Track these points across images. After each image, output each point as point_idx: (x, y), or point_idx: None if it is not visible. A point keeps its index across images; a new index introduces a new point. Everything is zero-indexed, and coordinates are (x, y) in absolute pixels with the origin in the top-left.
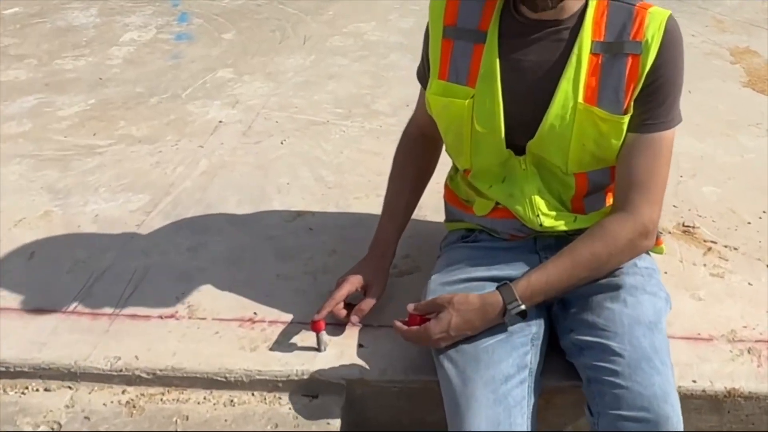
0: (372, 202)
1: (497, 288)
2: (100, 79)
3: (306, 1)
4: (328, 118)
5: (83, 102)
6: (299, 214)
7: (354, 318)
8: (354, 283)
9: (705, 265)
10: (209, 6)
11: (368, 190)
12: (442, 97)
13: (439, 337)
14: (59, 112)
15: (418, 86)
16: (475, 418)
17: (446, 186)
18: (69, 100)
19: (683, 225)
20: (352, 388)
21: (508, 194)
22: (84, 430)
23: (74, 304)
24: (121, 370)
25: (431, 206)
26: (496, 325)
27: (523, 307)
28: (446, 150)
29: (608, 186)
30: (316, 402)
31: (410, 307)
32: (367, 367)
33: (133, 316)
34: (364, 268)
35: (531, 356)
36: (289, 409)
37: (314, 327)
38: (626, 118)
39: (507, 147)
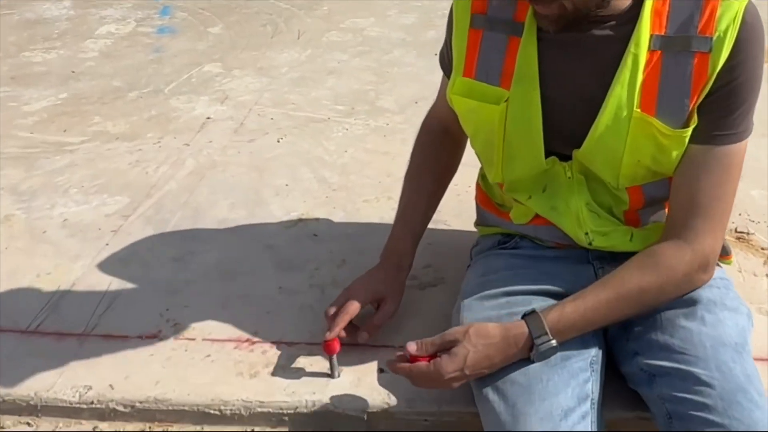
0: (383, 206)
1: (523, 317)
2: (73, 72)
3: None
4: (329, 115)
5: (53, 96)
6: (301, 219)
7: (364, 335)
8: (368, 295)
9: (767, 275)
10: (193, 2)
11: (378, 192)
12: (469, 99)
13: (453, 376)
14: (25, 107)
15: (426, 83)
16: None
17: (478, 186)
18: (37, 94)
19: (736, 231)
20: (374, 423)
21: (551, 207)
22: None
23: (36, 323)
24: (92, 403)
25: (452, 210)
26: None
27: (554, 343)
28: (476, 154)
29: (666, 198)
30: None
31: (411, 347)
32: (390, 396)
33: (108, 337)
34: (376, 278)
35: (592, 384)
36: None
37: (327, 349)
38: (689, 131)
39: (548, 156)
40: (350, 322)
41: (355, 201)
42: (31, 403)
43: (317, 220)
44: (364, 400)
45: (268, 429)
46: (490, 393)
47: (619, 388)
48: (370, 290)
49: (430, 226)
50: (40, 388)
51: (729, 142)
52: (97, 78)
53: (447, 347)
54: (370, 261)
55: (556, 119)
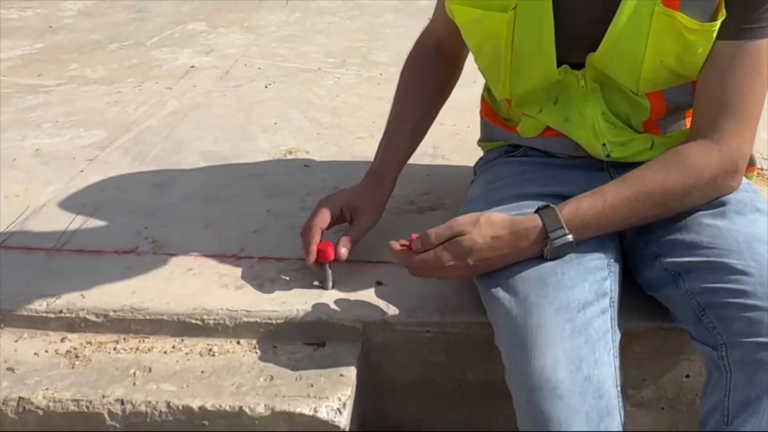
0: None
1: (537, 211)
2: (50, 27)
3: None
4: (320, 66)
5: (28, 46)
6: (291, 151)
7: (341, 251)
8: (336, 205)
9: None
10: None
11: (373, 131)
12: (472, 8)
13: (454, 264)
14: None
15: None
16: (548, 353)
17: (483, 99)
18: (11, 44)
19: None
20: (371, 334)
21: (564, 118)
22: (4, 384)
23: (2, 239)
24: (60, 312)
25: (452, 148)
26: None
27: (570, 238)
28: (480, 70)
29: (689, 106)
30: (322, 351)
31: (416, 244)
32: (389, 307)
33: (80, 252)
34: (350, 192)
35: (610, 284)
36: (288, 359)
37: (321, 255)
38: (717, 25)
39: (558, 65)
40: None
41: (348, 138)
42: None
43: (308, 152)
44: (360, 310)
45: (255, 341)
46: (499, 291)
47: (636, 297)
48: (342, 200)
49: (429, 161)
50: (3, 298)
51: (759, 36)
52: (75, 32)
53: (454, 236)
54: None
55: (568, 23)
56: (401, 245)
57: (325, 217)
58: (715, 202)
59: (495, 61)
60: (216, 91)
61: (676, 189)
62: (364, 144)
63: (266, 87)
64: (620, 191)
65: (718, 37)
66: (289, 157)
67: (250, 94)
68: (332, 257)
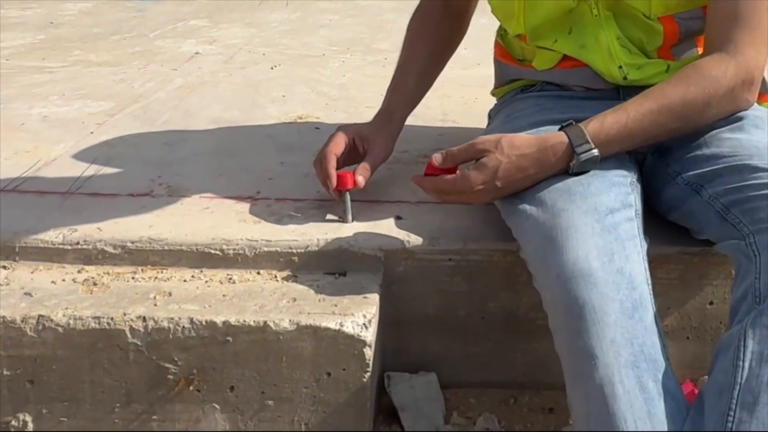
0: None
1: (561, 128)
2: (51, 23)
3: None
4: (324, 53)
5: (31, 38)
6: (301, 117)
7: (359, 178)
8: (350, 133)
9: None
10: None
11: (381, 101)
12: None
13: (482, 188)
14: (1, 44)
15: None
16: (580, 246)
17: (496, 43)
18: (13, 36)
19: None
20: (392, 263)
21: (580, 45)
22: (22, 305)
23: (14, 185)
24: (77, 243)
25: (461, 114)
26: None
27: (596, 152)
28: (494, 14)
29: (701, 32)
30: (344, 280)
31: (436, 158)
32: (410, 235)
33: (95, 195)
34: (364, 125)
35: (634, 198)
36: (310, 285)
37: (340, 182)
38: None
39: None
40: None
41: (357, 107)
42: (8, 245)
43: (318, 118)
44: (382, 240)
45: (275, 271)
46: (525, 204)
47: (657, 225)
48: (355, 130)
49: (440, 124)
50: (18, 231)
51: None
52: (77, 26)
53: (475, 158)
54: None
55: None
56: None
57: (339, 144)
58: (732, 118)
59: None
60: (222, 72)
61: (696, 100)
62: (373, 112)
63: (272, 68)
64: (642, 105)
65: None
66: (300, 121)
67: (257, 73)
68: (351, 185)
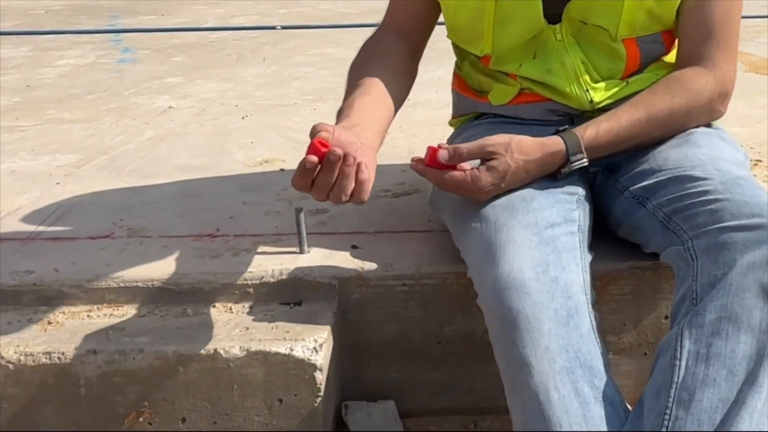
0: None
1: (558, 133)
2: (28, 86)
3: (266, 36)
4: (296, 101)
5: (6, 100)
6: (267, 161)
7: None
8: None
9: None
10: (157, 41)
11: None
12: None
13: (490, 189)
14: None
15: None
16: (515, 259)
17: (455, 74)
18: None
19: None
20: (347, 291)
21: (545, 70)
22: None
23: None
24: (34, 284)
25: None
26: None
27: (586, 161)
28: (454, 39)
29: (658, 58)
30: (298, 309)
31: (444, 155)
32: (365, 263)
33: (55, 239)
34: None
35: (579, 215)
36: (264, 315)
37: (311, 149)
38: None
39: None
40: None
41: None
42: None
43: (284, 161)
44: (336, 267)
45: (230, 304)
46: (471, 223)
47: (609, 243)
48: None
49: (404, 161)
50: None
51: None
52: (53, 89)
53: (484, 158)
54: None
55: None
56: (420, 160)
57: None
58: (681, 135)
59: (478, 14)
60: (193, 123)
61: (680, 110)
62: None
63: (243, 118)
64: (632, 114)
65: None
66: (266, 164)
67: (228, 123)
68: (323, 152)
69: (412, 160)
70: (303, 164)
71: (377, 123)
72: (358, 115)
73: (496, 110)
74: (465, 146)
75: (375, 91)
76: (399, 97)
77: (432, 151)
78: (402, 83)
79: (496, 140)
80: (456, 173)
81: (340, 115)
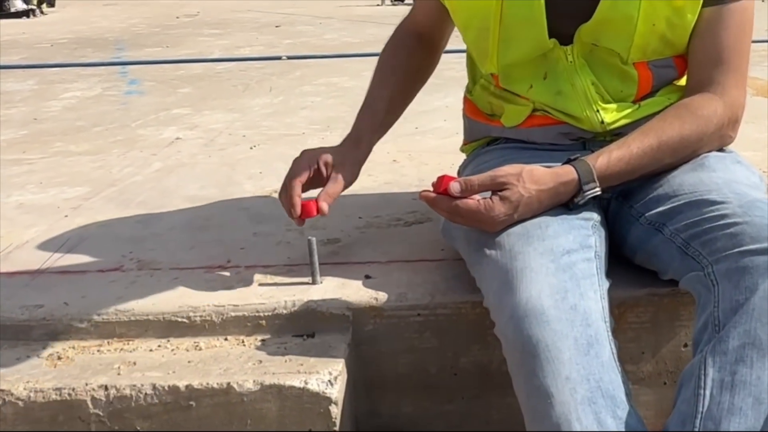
0: (367, 180)
1: (570, 162)
2: (35, 119)
3: (272, 67)
4: (304, 131)
5: (13, 134)
6: (277, 190)
7: (323, 206)
8: (314, 155)
9: None
10: (163, 73)
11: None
12: None
13: (503, 219)
14: None
15: (407, 112)
16: (533, 286)
17: (465, 99)
18: None
19: None
20: (361, 323)
21: (556, 92)
22: None
23: None
24: (43, 319)
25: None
26: None
27: (599, 190)
28: (468, 50)
29: (671, 82)
30: (311, 341)
31: (455, 188)
32: (378, 293)
33: (64, 272)
34: (329, 149)
35: (595, 240)
36: (277, 348)
37: (305, 211)
38: None
39: (550, 36)
40: None
41: None
42: None
43: None
44: (349, 298)
45: (243, 336)
46: (486, 249)
47: (626, 270)
48: (318, 154)
49: (414, 189)
50: None
51: None
52: (60, 121)
53: (497, 189)
54: (354, 217)
55: None
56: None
57: (303, 171)
58: (694, 162)
59: (483, 34)
60: (201, 154)
61: (691, 137)
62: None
63: (251, 149)
64: (643, 141)
65: (706, 4)
66: (275, 194)
67: (235, 153)
68: (315, 213)
69: (422, 192)
70: (291, 216)
71: (376, 127)
72: (360, 126)
73: (508, 134)
74: (476, 178)
75: (386, 91)
76: (410, 93)
77: (443, 181)
78: (417, 79)
79: (507, 170)
80: (470, 201)
81: (356, 119)
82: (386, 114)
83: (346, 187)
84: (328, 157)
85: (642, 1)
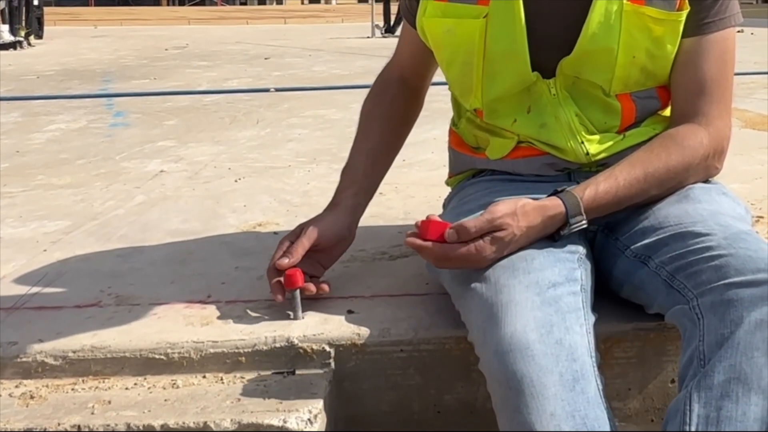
0: None
1: (557, 194)
2: (18, 152)
3: (259, 99)
4: (290, 163)
5: None
6: (260, 224)
7: (324, 287)
8: (301, 248)
9: None
10: (150, 105)
11: None
12: (444, 19)
13: (493, 257)
14: None
15: None
16: (518, 320)
17: (451, 132)
18: None
19: None
20: (342, 359)
21: (540, 125)
22: None
23: None
24: (17, 356)
25: (421, 212)
26: None
27: (585, 223)
28: (450, 89)
29: (654, 112)
30: (292, 378)
31: (451, 234)
32: (361, 329)
33: (40, 308)
34: (312, 231)
35: (581, 274)
36: (256, 385)
37: (288, 281)
38: (683, 15)
39: (532, 69)
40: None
41: (319, 212)
42: None
43: (278, 224)
44: (331, 334)
45: (221, 373)
46: (471, 282)
47: (612, 304)
48: (304, 244)
49: (401, 223)
50: None
51: (722, 27)
52: (43, 153)
53: (494, 231)
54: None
55: (541, 27)
56: (415, 236)
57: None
58: (681, 191)
59: (467, 69)
60: (185, 187)
61: (678, 168)
62: None
63: (236, 181)
64: (630, 173)
65: (685, 35)
66: (259, 228)
67: (220, 186)
68: (300, 283)
69: (407, 235)
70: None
71: (359, 182)
72: (343, 182)
73: (493, 165)
74: (472, 224)
75: (368, 143)
76: (395, 144)
77: (429, 228)
78: (401, 128)
79: (503, 211)
80: (462, 249)
81: (342, 180)
82: (369, 168)
83: (337, 258)
84: (315, 244)
85: (621, 34)
